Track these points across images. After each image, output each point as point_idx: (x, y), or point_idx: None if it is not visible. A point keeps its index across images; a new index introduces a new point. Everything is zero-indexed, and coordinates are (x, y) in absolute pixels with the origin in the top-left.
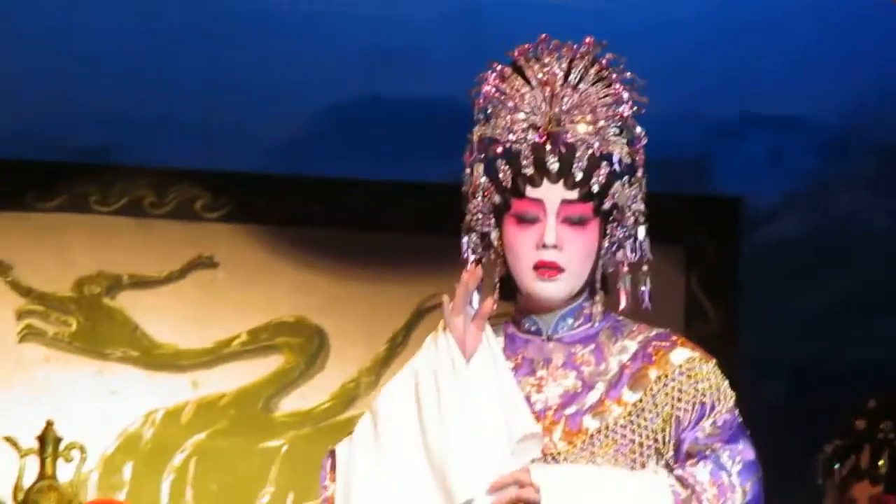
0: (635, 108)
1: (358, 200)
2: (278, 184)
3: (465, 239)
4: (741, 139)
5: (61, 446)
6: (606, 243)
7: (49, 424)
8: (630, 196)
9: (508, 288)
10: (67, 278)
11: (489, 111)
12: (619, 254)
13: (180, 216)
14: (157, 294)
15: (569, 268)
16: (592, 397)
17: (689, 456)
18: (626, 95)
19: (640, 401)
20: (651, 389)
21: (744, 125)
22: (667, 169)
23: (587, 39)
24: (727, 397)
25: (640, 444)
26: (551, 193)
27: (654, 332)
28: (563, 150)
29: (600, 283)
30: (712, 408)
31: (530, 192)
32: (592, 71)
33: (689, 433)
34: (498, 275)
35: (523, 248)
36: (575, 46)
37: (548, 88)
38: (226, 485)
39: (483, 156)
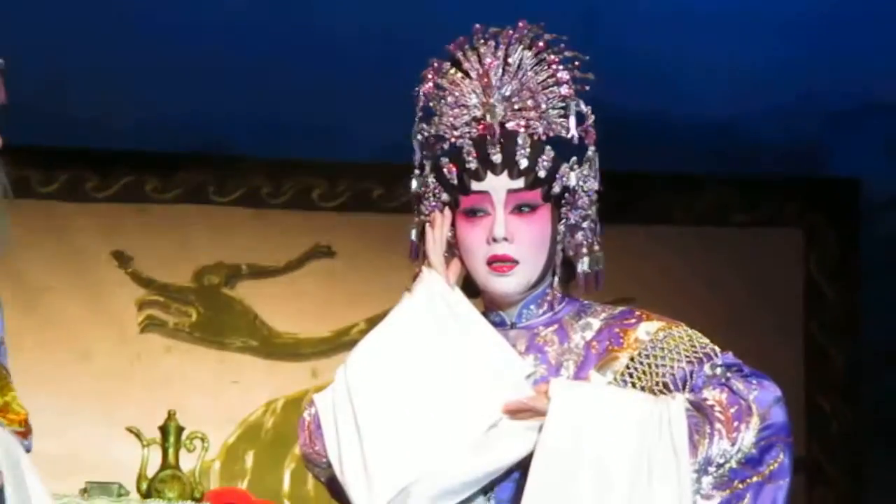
0: (577, 86)
1: None
2: (394, 172)
3: (413, 239)
4: (860, 126)
5: (183, 436)
6: (562, 227)
7: (171, 414)
8: (581, 176)
9: (472, 286)
10: (187, 269)
11: (433, 109)
12: (579, 235)
13: (297, 206)
14: (276, 283)
15: (522, 259)
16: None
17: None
18: (565, 76)
19: (612, 383)
20: (624, 374)
21: (863, 112)
22: (785, 155)
23: (520, 23)
24: (714, 350)
25: None
26: (497, 185)
27: (617, 311)
28: (505, 139)
29: (561, 268)
30: (704, 361)
31: (476, 185)
32: (529, 54)
33: (690, 383)
34: (458, 274)
35: (474, 243)
36: (510, 32)
37: (485, 78)
38: None
39: (431, 155)
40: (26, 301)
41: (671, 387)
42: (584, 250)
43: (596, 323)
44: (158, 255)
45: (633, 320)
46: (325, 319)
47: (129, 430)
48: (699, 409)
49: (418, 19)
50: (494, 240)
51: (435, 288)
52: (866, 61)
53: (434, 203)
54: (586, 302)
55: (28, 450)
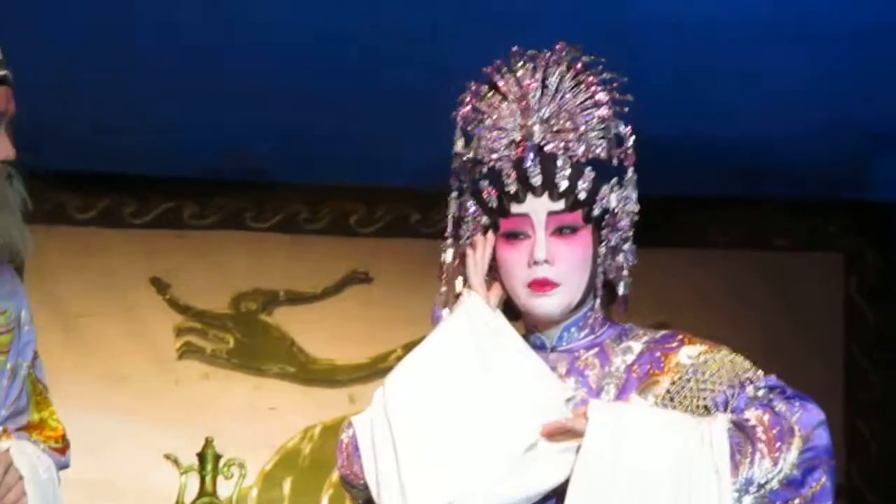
0: (616, 108)
1: None
2: (432, 197)
3: (448, 261)
4: None
5: (221, 463)
6: (603, 249)
7: (208, 441)
8: (622, 198)
9: (513, 308)
10: (224, 295)
11: (470, 132)
12: (619, 258)
13: (334, 231)
14: (313, 310)
15: (563, 281)
16: None
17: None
18: (604, 97)
19: (653, 406)
20: (664, 398)
21: None
22: (824, 176)
23: (558, 45)
24: (756, 372)
25: None
26: (537, 207)
27: (659, 334)
28: (544, 161)
29: (602, 290)
30: (745, 385)
31: (515, 208)
32: (568, 76)
33: (732, 405)
34: (500, 297)
35: (515, 266)
36: (548, 54)
37: (524, 101)
38: None
39: (470, 179)
40: (65, 326)
41: (712, 410)
42: (625, 273)
43: (637, 346)
44: (196, 282)
45: (675, 344)
46: (362, 345)
47: (167, 457)
48: (741, 429)
49: (455, 46)
50: (535, 262)
51: (475, 310)
52: None
53: (473, 227)
54: (627, 326)
55: (65, 465)
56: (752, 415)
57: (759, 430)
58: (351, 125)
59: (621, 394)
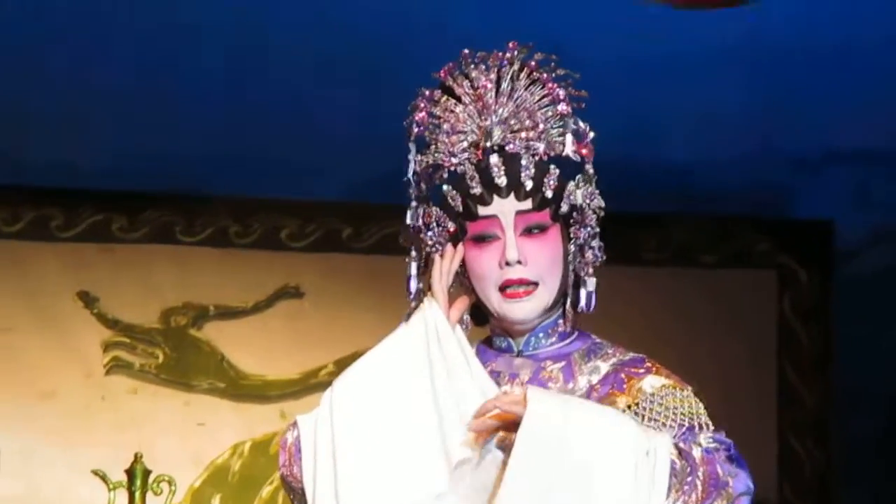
0: (574, 103)
1: None
2: (364, 212)
3: (413, 274)
4: (822, 171)
5: (150, 479)
6: (572, 247)
7: (137, 457)
8: (587, 194)
9: (480, 313)
10: (153, 309)
11: (427, 139)
12: (589, 254)
13: (265, 245)
14: (244, 324)
15: (540, 279)
16: None
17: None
18: (561, 93)
19: None
20: None
21: (826, 157)
22: (750, 197)
23: (510, 44)
24: (707, 426)
25: None
26: (504, 208)
27: (628, 357)
28: (508, 161)
29: (572, 291)
30: (694, 429)
31: (483, 210)
32: (523, 75)
33: (680, 438)
34: (462, 311)
35: (486, 269)
36: (500, 54)
37: (480, 102)
38: None
39: (430, 186)
40: None
41: None
42: (591, 269)
43: (604, 367)
44: (124, 296)
45: (643, 371)
46: (293, 361)
47: (95, 472)
48: (685, 458)
49: (392, 59)
50: (508, 263)
51: (432, 319)
52: (827, 107)
53: (440, 232)
54: (598, 341)
55: None
56: (697, 454)
57: (700, 470)
58: (282, 140)
59: None
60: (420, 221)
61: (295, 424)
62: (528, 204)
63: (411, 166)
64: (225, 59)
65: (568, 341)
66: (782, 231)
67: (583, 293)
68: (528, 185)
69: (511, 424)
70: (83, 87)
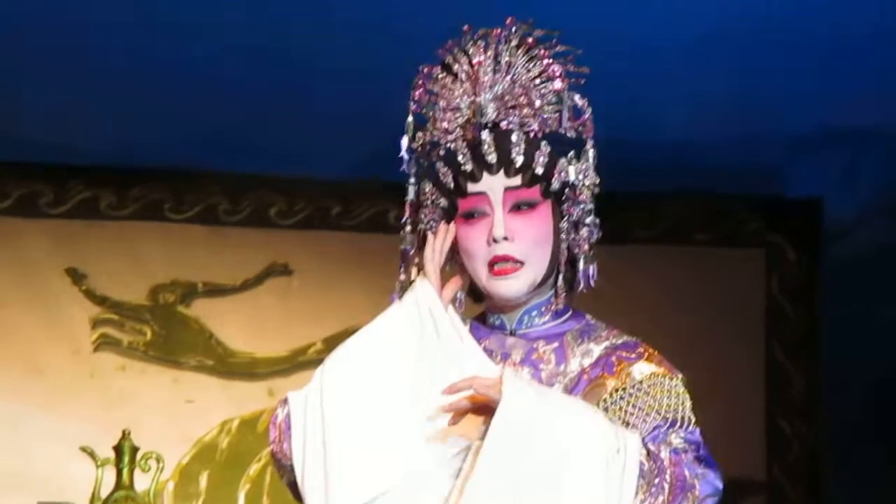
0: (572, 80)
1: None
2: (353, 190)
3: (407, 249)
4: (817, 150)
5: (138, 456)
6: (565, 224)
7: (125, 434)
8: (581, 171)
9: (478, 290)
10: (142, 287)
11: (425, 116)
12: (584, 231)
13: (254, 223)
14: (232, 302)
15: (526, 259)
16: None
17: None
18: (558, 69)
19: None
20: (605, 401)
21: (821, 137)
22: (744, 176)
23: (508, 21)
24: (689, 419)
25: None
26: (493, 184)
27: (621, 340)
28: (499, 137)
29: (566, 268)
30: (676, 424)
31: (472, 187)
32: (520, 52)
33: (650, 437)
34: (455, 290)
35: (475, 245)
36: (499, 31)
37: (476, 78)
38: None
39: (428, 162)
40: None
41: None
42: (587, 246)
43: (597, 350)
44: (113, 273)
45: (634, 356)
46: (281, 338)
47: (83, 449)
48: (653, 460)
49: (381, 41)
50: (495, 240)
51: (424, 298)
52: (818, 87)
53: (432, 210)
54: (592, 322)
55: None
56: (665, 456)
57: (668, 472)
58: (272, 117)
59: (568, 394)
60: (417, 198)
61: (286, 401)
62: (517, 180)
63: (411, 143)
64: (213, 38)
65: (562, 320)
66: (772, 209)
67: (579, 271)
68: (518, 161)
69: (483, 407)
70: (74, 65)
